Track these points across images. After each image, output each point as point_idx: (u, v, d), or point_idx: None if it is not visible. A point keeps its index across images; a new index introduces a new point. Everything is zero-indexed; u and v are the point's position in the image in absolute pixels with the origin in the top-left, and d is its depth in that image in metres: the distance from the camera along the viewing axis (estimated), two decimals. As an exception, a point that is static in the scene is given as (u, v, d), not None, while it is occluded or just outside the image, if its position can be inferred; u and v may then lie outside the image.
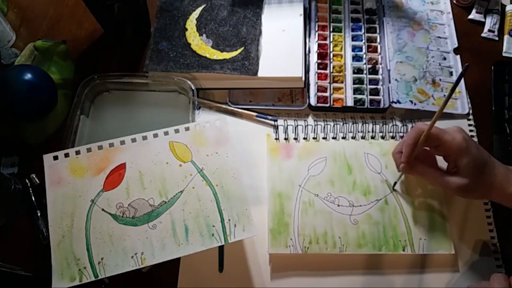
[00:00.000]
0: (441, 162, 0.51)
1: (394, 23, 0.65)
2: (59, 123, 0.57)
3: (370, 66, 0.61)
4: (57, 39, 0.59)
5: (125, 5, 0.57)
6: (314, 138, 0.56)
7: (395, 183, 0.53)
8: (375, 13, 0.66)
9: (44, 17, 0.67)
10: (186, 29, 0.60)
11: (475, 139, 0.57)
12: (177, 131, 0.49)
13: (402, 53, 0.63)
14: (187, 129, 0.49)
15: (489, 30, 0.66)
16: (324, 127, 0.57)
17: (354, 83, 0.60)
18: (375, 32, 0.64)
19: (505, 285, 0.41)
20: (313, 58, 0.61)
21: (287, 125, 0.57)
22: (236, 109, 0.58)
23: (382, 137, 0.57)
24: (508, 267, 0.50)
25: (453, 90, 0.42)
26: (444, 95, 0.60)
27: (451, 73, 0.62)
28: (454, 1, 0.69)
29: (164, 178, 0.47)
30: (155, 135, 0.49)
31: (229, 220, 0.45)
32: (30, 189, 0.53)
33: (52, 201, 0.45)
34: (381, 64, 0.61)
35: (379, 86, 0.60)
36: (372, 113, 0.59)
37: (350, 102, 0.59)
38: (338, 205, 0.52)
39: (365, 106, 0.58)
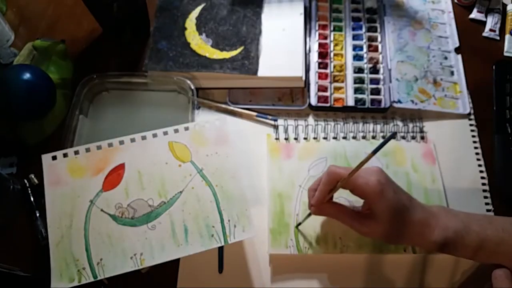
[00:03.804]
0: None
1: (395, 22, 0.65)
2: (58, 123, 0.57)
3: (371, 65, 0.61)
4: (56, 38, 0.59)
5: (124, 4, 0.56)
6: (314, 138, 0.56)
7: (299, 223, 0.49)
8: (376, 12, 0.66)
9: (43, 17, 0.66)
10: (186, 28, 0.60)
11: (476, 139, 0.57)
12: (176, 131, 0.49)
13: (403, 53, 0.62)
14: (186, 129, 0.49)
15: (490, 30, 0.66)
16: (325, 127, 0.57)
17: (355, 83, 0.60)
18: (376, 31, 0.64)
19: (507, 285, 0.41)
20: (314, 58, 0.61)
21: (287, 125, 0.57)
22: (236, 109, 0.58)
23: (383, 137, 0.57)
24: None
25: (368, 159, 0.38)
26: (446, 95, 0.59)
27: (452, 73, 0.61)
28: (455, 0, 0.68)
29: (164, 179, 0.46)
30: (155, 135, 0.48)
31: (228, 220, 0.45)
32: (29, 189, 0.53)
33: (50, 202, 0.45)
34: (382, 63, 0.61)
35: (380, 86, 0.59)
36: (373, 112, 0.59)
37: (351, 102, 0.59)
38: (339, 206, 0.51)
39: (366, 106, 0.58)
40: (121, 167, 0.47)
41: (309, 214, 0.47)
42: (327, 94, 0.59)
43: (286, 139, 0.56)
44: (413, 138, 0.56)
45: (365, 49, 0.62)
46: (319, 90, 0.59)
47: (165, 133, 0.49)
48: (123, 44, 0.64)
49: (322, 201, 0.44)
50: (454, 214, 0.43)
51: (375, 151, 0.38)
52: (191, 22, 0.61)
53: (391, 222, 0.42)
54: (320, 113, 0.59)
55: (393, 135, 0.38)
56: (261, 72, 0.56)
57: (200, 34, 0.60)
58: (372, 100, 0.59)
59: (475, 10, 0.67)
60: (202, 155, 0.48)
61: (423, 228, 0.42)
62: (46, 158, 0.47)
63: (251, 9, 0.61)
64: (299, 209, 0.51)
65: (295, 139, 0.56)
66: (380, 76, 0.60)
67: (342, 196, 0.52)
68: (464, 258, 0.43)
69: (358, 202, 0.51)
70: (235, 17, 0.61)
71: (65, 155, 0.47)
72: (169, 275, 0.49)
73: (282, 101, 0.59)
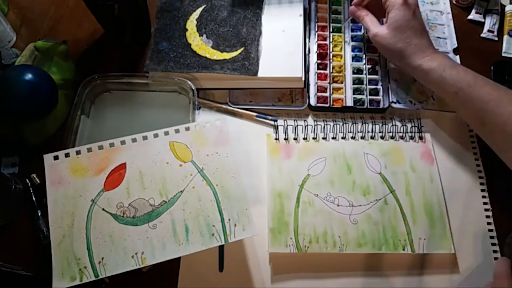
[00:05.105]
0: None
1: (394, 23, 0.66)
2: (60, 123, 0.57)
3: (369, 66, 0.61)
4: (58, 39, 0.59)
5: (125, 5, 0.57)
6: (314, 138, 0.57)
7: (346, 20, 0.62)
8: (375, 13, 0.66)
9: (45, 17, 0.67)
10: (186, 30, 0.61)
11: (475, 139, 0.58)
12: (177, 131, 0.49)
13: (402, 53, 0.63)
14: (187, 129, 0.49)
15: (489, 31, 0.66)
16: (324, 127, 0.57)
17: (353, 83, 0.60)
18: (375, 33, 0.64)
19: (507, 283, 0.41)
20: (313, 59, 0.62)
21: (287, 125, 0.57)
22: (236, 109, 0.58)
23: (382, 137, 0.57)
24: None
25: None
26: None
27: (450, 73, 0.62)
28: (454, 2, 0.69)
29: (165, 178, 0.47)
30: (156, 135, 0.49)
31: (229, 219, 0.45)
32: (31, 189, 0.53)
33: (52, 201, 0.45)
34: (380, 64, 0.62)
35: (379, 86, 0.60)
36: (371, 113, 0.59)
37: (349, 102, 0.59)
38: (338, 205, 0.52)
39: (365, 106, 0.59)
40: (122, 166, 0.47)
41: (349, 17, 0.61)
42: (327, 94, 0.59)
43: (286, 139, 0.56)
44: (412, 138, 0.57)
45: (364, 50, 0.62)
46: (318, 90, 0.59)
47: (166, 133, 0.49)
48: (124, 45, 0.64)
49: (361, 2, 0.57)
50: (450, 61, 0.52)
51: None
52: (191, 23, 0.61)
53: (395, 31, 0.52)
54: (319, 113, 0.59)
55: None
56: (261, 73, 0.57)
57: (201, 35, 0.60)
58: (371, 101, 0.59)
59: (473, 11, 0.68)
60: (203, 155, 0.48)
61: (417, 51, 0.52)
62: (48, 158, 0.47)
63: (251, 11, 0.62)
64: (299, 208, 0.51)
65: (295, 139, 0.56)
66: (379, 76, 0.61)
67: (342, 196, 0.52)
68: (443, 96, 0.53)
69: (357, 201, 0.52)
70: (235, 19, 0.61)
71: (66, 155, 0.47)
72: (170, 274, 0.49)
73: (282, 101, 0.60)
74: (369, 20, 0.56)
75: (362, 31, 0.64)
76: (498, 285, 0.42)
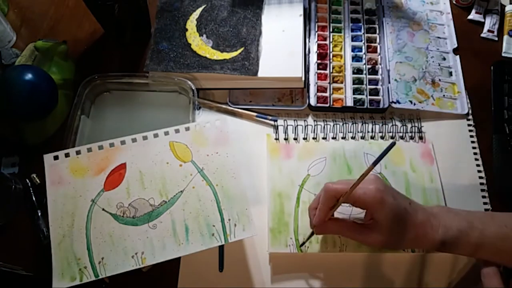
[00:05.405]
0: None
1: (394, 23, 0.66)
2: (60, 123, 0.57)
3: (369, 66, 0.61)
4: (58, 39, 0.59)
5: (125, 5, 0.57)
6: (314, 138, 0.57)
7: (303, 243, 0.49)
8: (375, 13, 0.66)
9: (45, 17, 0.67)
10: (186, 30, 0.61)
11: (475, 139, 0.58)
12: (177, 131, 0.49)
13: (402, 53, 0.63)
14: (187, 129, 0.49)
15: (489, 31, 0.66)
16: (324, 127, 0.57)
17: (353, 83, 0.60)
18: (375, 33, 0.64)
19: (496, 282, 0.41)
20: (313, 59, 0.62)
21: (287, 125, 0.57)
22: (236, 109, 0.58)
23: (382, 137, 0.57)
24: (507, 267, 0.50)
25: (369, 170, 0.38)
26: (444, 95, 0.60)
27: (450, 73, 0.62)
28: (454, 2, 0.69)
29: (165, 178, 0.47)
30: (156, 135, 0.49)
31: (229, 219, 0.45)
32: (31, 189, 0.53)
33: (52, 201, 0.45)
34: (380, 64, 0.62)
35: (379, 86, 0.60)
36: (371, 113, 0.59)
37: (349, 102, 0.59)
38: (338, 205, 0.52)
39: (365, 106, 0.59)
40: (122, 166, 0.47)
41: (312, 233, 0.47)
42: (327, 94, 0.59)
43: (286, 139, 0.56)
44: (412, 138, 0.57)
45: (364, 50, 0.63)
46: (318, 90, 0.59)
47: (166, 133, 0.49)
48: (124, 45, 0.64)
49: (324, 220, 0.44)
50: (456, 213, 0.44)
51: (375, 163, 0.38)
52: (191, 23, 0.61)
53: (394, 228, 0.41)
54: (319, 113, 0.59)
55: (393, 145, 0.38)
56: (261, 73, 0.57)
57: (201, 35, 0.60)
58: (371, 101, 0.59)
59: (473, 11, 0.68)
60: (203, 155, 0.48)
61: (426, 229, 0.42)
62: (48, 158, 0.47)
63: (251, 11, 0.62)
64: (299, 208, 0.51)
65: (295, 139, 0.56)
66: (379, 76, 0.61)
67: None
68: (466, 256, 0.44)
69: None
70: (235, 19, 0.61)
71: (66, 155, 0.47)
72: (170, 274, 0.49)
73: (282, 101, 0.60)
74: (353, 231, 0.44)
75: (362, 31, 0.64)
76: (488, 284, 0.42)
